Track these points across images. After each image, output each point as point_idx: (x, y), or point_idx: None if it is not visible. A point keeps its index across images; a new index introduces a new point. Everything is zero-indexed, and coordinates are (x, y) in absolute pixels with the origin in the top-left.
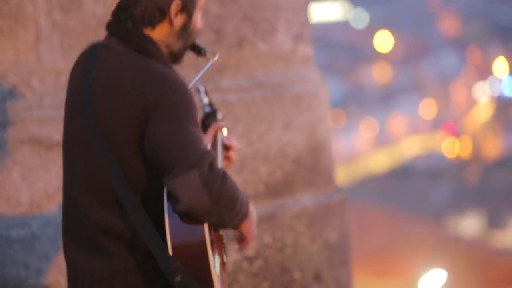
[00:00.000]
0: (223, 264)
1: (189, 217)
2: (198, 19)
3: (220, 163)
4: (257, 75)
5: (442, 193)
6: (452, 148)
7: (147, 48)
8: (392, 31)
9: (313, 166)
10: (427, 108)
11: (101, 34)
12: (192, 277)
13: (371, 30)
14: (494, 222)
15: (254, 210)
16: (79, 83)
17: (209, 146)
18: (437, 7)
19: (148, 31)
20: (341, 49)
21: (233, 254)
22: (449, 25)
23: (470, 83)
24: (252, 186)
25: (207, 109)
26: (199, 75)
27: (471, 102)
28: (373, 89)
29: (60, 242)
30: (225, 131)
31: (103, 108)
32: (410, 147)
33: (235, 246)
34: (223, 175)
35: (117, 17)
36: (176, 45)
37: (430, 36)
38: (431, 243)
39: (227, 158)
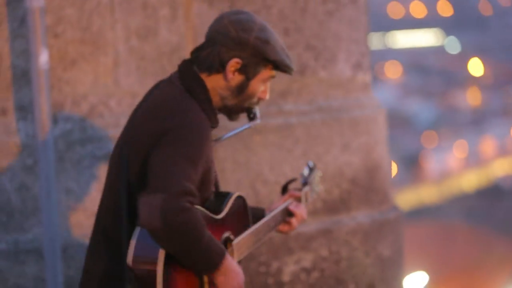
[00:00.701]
0: None
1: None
2: (257, 87)
3: (262, 222)
4: (318, 100)
5: None
6: None
7: (192, 87)
8: (483, 58)
9: (368, 186)
10: None
11: (174, 60)
12: None
13: (463, 56)
14: None
15: (238, 270)
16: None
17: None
18: None
19: (204, 76)
20: (435, 73)
21: (290, 266)
22: None
23: None
24: (311, 203)
25: (304, 173)
26: (235, 131)
27: None
28: (465, 112)
29: None
30: (303, 200)
31: (133, 128)
32: (500, 168)
33: (294, 257)
34: (188, 210)
35: (191, 56)
36: (231, 101)
37: None
38: None
39: (288, 223)
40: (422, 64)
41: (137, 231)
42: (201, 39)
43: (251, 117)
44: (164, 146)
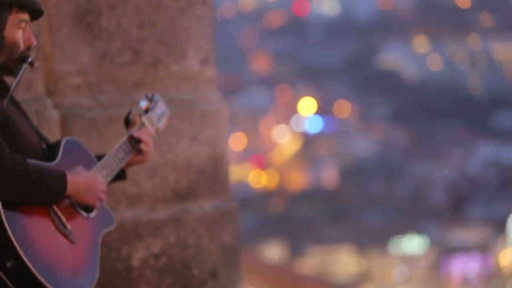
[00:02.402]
0: (60, 228)
1: None
2: (15, 35)
3: (110, 155)
4: (169, 92)
5: (248, 221)
6: (259, 179)
7: None
8: None
9: (213, 176)
10: (237, 141)
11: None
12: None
13: None
14: (295, 250)
15: (83, 179)
16: None
17: None
18: (251, 46)
19: None
20: None
21: (140, 252)
22: (261, 64)
23: (278, 119)
24: (161, 191)
25: (141, 104)
26: (16, 79)
27: (278, 137)
28: None
29: None
30: (148, 124)
31: None
32: None
33: (144, 243)
34: None
35: None
36: (0, 58)
37: (244, 73)
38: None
39: (140, 151)
40: None
41: None
42: (56, 29)
43: (26, 62)
44: None
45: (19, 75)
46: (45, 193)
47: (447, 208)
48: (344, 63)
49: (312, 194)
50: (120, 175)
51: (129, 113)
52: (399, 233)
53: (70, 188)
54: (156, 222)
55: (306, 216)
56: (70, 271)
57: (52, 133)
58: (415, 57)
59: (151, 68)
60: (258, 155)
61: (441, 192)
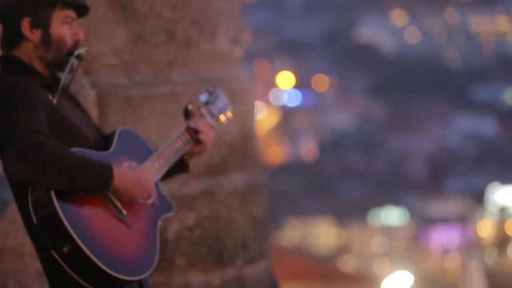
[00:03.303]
0: (116, 214)
1: (37, 189)
2: (61, 31)
3: (167, 145)
4: (200, 71)
5: None
6: None
7: (9, 67)
8: None
9: (243, 151)
10: None
11: None
12: (56, 236)
13: None
14: (275, 222)
15: (136, 174)
16: None
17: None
18: None
19: (16, 52)
20: None
21: (175, 224)
22: None
23: (257, 93)
24: (194, 166)
25: (202, 98)
26: (65, 73)
27: (257, 111)
28: None
29: None
30: (208, 116)
31: None
32: None
33: (179, 216)
34: (41, 143)
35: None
36: (48, 56)
37: None
38: None
39: (199, 141)
40: None
41: (29, 199)
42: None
43: (75, 56)
44: None
45: (67, 69)
46: (89, 184)
47: (426, 180)
48: (322, 37)
49: (291, 167)
50: (183, 167)
51: (187, 105)
52: (378, 205)
53: (116, 182)
54: (189, 195)
55: (285, 189)
56: (126, 255)
57: (89, 111)
58: (393, 30)
59: (184, 47)
60: None
61: (420, 164)
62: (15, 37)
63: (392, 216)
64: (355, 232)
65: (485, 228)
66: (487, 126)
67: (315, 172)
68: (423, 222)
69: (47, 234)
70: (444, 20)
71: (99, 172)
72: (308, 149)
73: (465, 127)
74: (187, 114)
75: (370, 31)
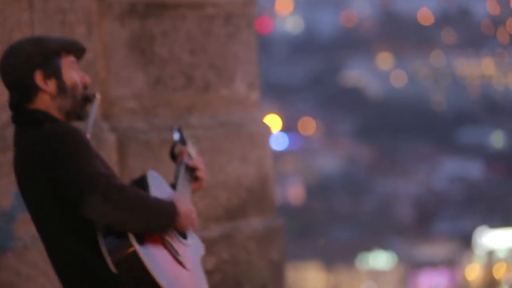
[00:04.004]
0: (175, 256)
1: (115, 234)
2: (72, 76)
3: (180, 185)
4: (219, 115)
5: None
6: None
7: (35, 120)
8: None
9: (261, 195)
10: None
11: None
12: (138, 283)
13: None
14: None
15: (184, 206)
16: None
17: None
18: None
19: (32, 106)
20: None
21: None
22: None
23: None
24: (213, 210)
25: (176, 137)
26: (92, 117)
27: None
28: None
29: None
30: (193, 153)
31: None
32: None
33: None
34: (121, 187)
35: (10, 106)
36: (66, 105)
37: None
38: None
39: (195, 178)
40: None
41: (100, 241)
42: (111, 55)
43: (92, 98)
44: (61, 167)
45: (93, 113)
46: (163, 221)
47: (413, 223)
48: (308, 80)
49: (278, 211)
50: None
51: (173, 147)
52: (366, 249)
53: (180, 215)
54: (209, 239)
55: None
56: None
57: (109, 155)
58: (379, 73)
59: (202, 92)
60: None
61: (407, 208)
62: (30, 92)
63: (380, 260)
64: (343, 276)
65: (473, 272)
66: (473, 169)
67: (303, 215)
68: (411, 266)
69: (127, 283)
70: (430, 63)
71: (168, 208)
72: (295, 192)
73: (452, 170)
74: (173, 156)
75: (356, 74)
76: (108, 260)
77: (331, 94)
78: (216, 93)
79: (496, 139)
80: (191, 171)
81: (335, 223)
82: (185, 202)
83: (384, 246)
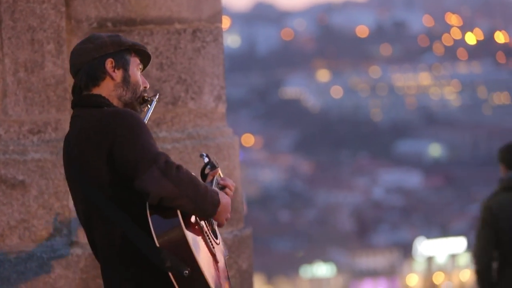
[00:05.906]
0: (211, 247)
1: (164, 209)
2: (136, 75)
3: None
4: (188, 128)
5: None
6: None
7: (96, 103)
8: None
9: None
10: None
11: (59, 91)
12: (178, 259)
13: None
14: None
15: (225, 199)
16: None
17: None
18: None
19: (95, 90)
20: None
21: None
22: None
23: None
24: None
25: (205, 160)
26: (149, 111)
27: None
28: None
29: (19, 268)
30: (220, 173)
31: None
32: None
33: None
34: (178, 166)
35: (73, 92)
36: (126, 96)
37: None
38: None
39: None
40: None
41: (149, 218)
42: None
43: (149, 100)
44: (122, 143)
45: (152, 108)
46: (209, 207)
47: (354, 234)
48: (248, 96)
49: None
50: None
51: (205, 167)
52: (307, 261)
53: (221, 205)
54: None
55: None
56: (222, 285)
57: None
58: (318, 87)
59: (171, 105)
60: None
61: (347, 218)
62: (98, 76)
63: (321, 271)
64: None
65: (413, 279)
66: (411, 180)
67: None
68: (352, 276)
69: (168, 257)
70: (368, 76)
71: (214, 195)
72: None
73: (390, 180)
74: (204, 175)
75: (295, 89)
76: (153, 234)
77: (271, 108)
78: (184, 107)
79: (434, 150)
80: (221, 189)
81: (276, 235)
82: (225, 196)
83: (325, 257)
